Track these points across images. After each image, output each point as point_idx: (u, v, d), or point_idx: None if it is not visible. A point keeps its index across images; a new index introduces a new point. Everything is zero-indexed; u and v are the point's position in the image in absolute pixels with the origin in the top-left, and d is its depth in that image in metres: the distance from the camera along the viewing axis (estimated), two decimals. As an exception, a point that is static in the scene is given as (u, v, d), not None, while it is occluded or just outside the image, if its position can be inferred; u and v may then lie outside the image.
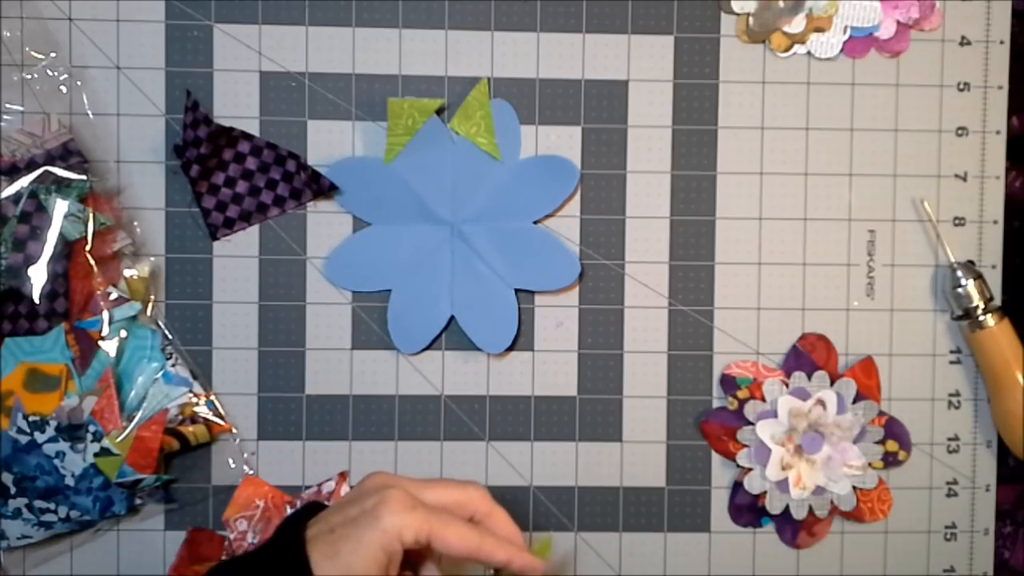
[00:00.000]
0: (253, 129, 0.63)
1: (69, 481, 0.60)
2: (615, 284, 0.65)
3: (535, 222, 0.64)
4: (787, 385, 0.64)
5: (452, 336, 0.64)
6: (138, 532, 0.63)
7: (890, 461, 0.65)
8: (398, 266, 0.63)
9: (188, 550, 0.63)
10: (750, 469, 0.64)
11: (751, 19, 0.64)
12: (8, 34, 0.62)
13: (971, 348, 0.65)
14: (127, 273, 0.62)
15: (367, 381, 0.64)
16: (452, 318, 0.64)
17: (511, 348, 0.64)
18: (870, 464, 0.65)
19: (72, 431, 0.60)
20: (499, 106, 0.64)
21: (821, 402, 0.64)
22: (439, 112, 0.63)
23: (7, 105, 0.62)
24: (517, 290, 0.64)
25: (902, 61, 0.65)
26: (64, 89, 0.62)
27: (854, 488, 0.65)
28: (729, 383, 0.65)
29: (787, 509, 0.64)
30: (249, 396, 0.64)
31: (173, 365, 0.62)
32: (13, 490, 0.59)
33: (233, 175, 0.62)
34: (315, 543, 0.48)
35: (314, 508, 0.52)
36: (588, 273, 0.65)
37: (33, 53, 0.62)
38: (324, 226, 0.64)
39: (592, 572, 0.65)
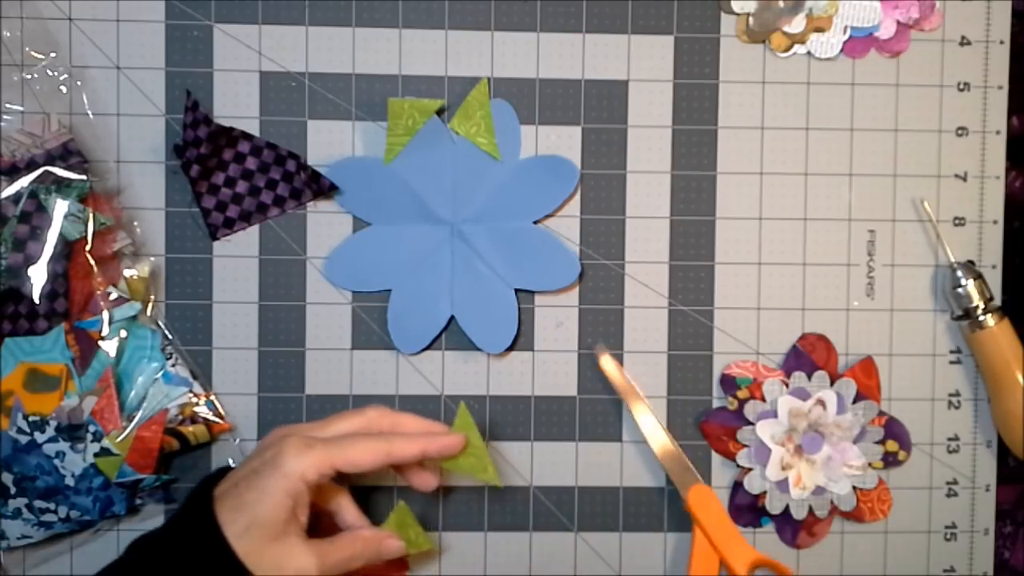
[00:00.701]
0: (253, 129, 0.63)
1: (69, 481, 0.60)
2: (615, 284, 0.65)
3: (535, 222, 0.64)
4: (787, 385, 0.64)
5: (452, 336, 0.64)
6: (138, 532, 0.63)
7: (890, 461, 0.65)
8: (398, 266, 0.63)
9: (188, 550, 0.63)
10: (750, 469, 0.64)
11: (751, 19, 0.64)
12: (8, 34, 0.62)
13: (971, 348, 0.65)
14: (127, 273, 0.62)
15: (367, 381, 0.64)
16: (452, 318, 0.64)
17: (511, 348, 0.64)
18: (870, 464, 0.65)
19: (72, 431, 0.60)
20: (499, 106, 0.64)
21: (821, 402, 0.64)
22: (439, 112, 0.63)
23: (7, 105, 0.62)
24: (517, 290, 0.64)
25: (902, 61, 0.65)
26: (64, 89, 0.62)
27: (854, 488, 0.65)
28: (729, 383, 0.65)
29: (787, 509, 0.64)
30: (249, 396, 0.64)
31: (173, 365, 0.62)
32: (13, 490, 0.59)
33: (233, 175, 0.62)
34: (222, 499, 0.51)
35: (225, 470, 0.54)
36: (588, 273, 0.65)
37: (33, 53, 0.62)
38: (324, 226, 0.64)
39: (592, 572, 0.65)
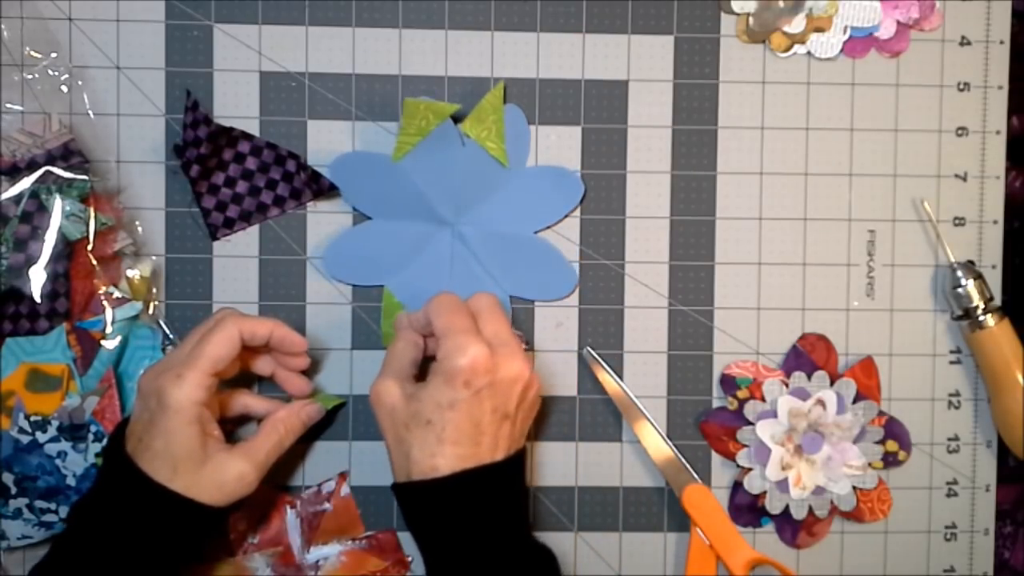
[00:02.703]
0: (253, 129, 0.63)
1: (70, 481, 0.60)
2: (615, 284, 0.65)
3: (536, 231, 0.64)
4: (787, 385, 0.64)
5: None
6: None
7: (890, 461, 0.65)
8: (395, 262, 0.63)
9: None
10: (750, 469, 0.64)
11: (751, 19, 0.64)
12: (8, 34, 0.62)
13: (971, 348, 0.65)
14: (128, 273, 0.62)
15: (367, 381, 0.64)
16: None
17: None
18: (870, 464, 0.65)
19: (74, 431, 0.60)
20: (512, 112, 0.64)
21: (821, 402, 0.64)
22: (453, 116, 0.63)
23: (7, 105, 0.62)
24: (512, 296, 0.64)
25: (902, 61, 0.65)
26: (65, 89, 0.62)
27: (854, 488, 0.65)
28: (729, 383, 0.65)
29: (787, 509, 0.64)
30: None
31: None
32: (14, 490, 0.60)
33: (233, 175, 0.63)
34: (138, 455, 0.54)
35: (120, 427, 0.57)
36: (588, 273, 0.65)
37: (33, 53, 0.62)
38: (324, 226, 0.64)
39: (592, 572, 0.65)
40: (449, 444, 0.54)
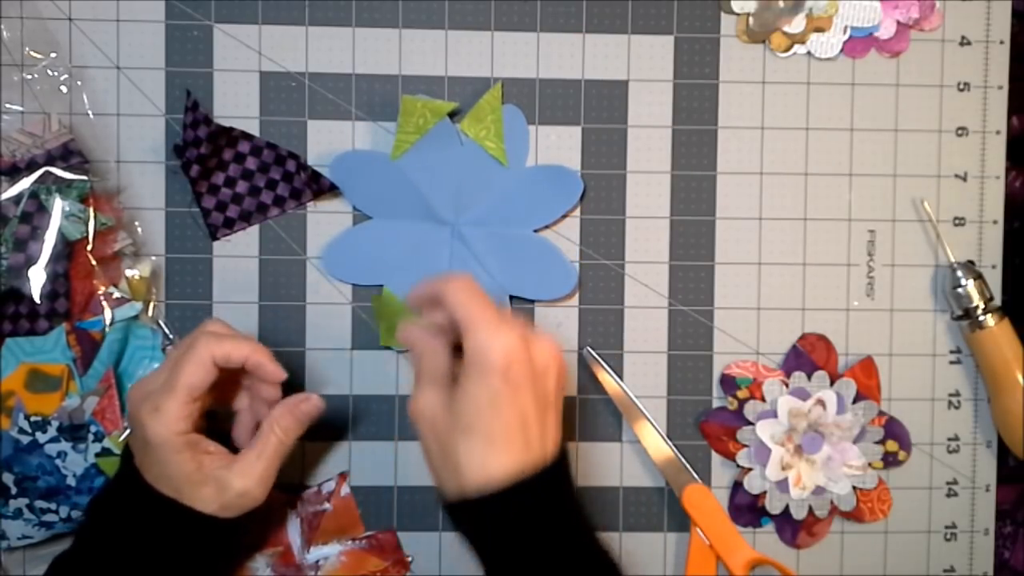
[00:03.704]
0: (253, 129, 0.63)
1: (71, 481, 0.60)
2: (615, 284, 0.65)
3: (535, 230, 0.64)
4: (787, 385, 0.64)
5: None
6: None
7: (890, 461, 0.65)
8: (394, 261, 0.63)
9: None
10: (750, 469, 0.64)
11: (751, 19, 0.64)
12: (8, 34, 0.62)
13: (971, 348, 0.65)
14: (128, 273, 0.62)
15: (367, 381, 0.64)
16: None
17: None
18: (870, 464, 0.65)
19: (74, 431, 0.60)
20: (510, 111, 0.64)
21: (821, 402, 0.64)
22: (451, 114, 0.63)
23: (7, 105, 0.62)
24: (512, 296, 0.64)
25: (902, 61, 0.65)
26: (64, 89, 0.62)
27: (854, 488, 0.65)
28: (729, 383, 0.65)
29: (787, 509, 0.64)
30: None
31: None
32: (14, 490, 0.60)
33: (233, 175, 0.63)
34: (145, 472, 0.54)
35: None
36: (588, 273, 0.65)
37: (33, 53, 0.62)
38: (324, 226, 0.64)
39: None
40: (499, 446, 0.50)
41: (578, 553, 0.51)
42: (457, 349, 0.53)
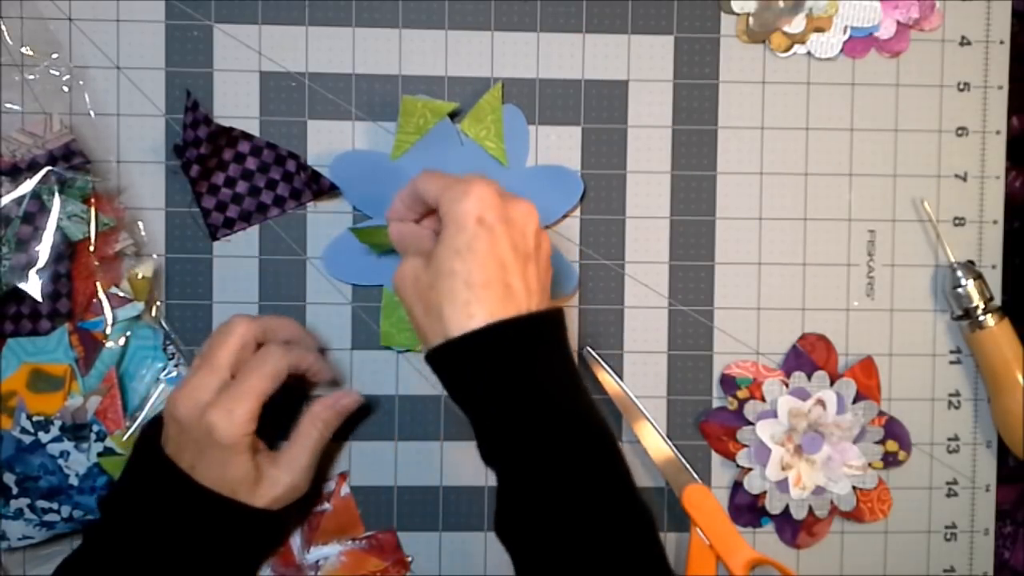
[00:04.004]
0: (253, 129, 0.63)
1: (73, 481, 0.60)
2: (615, 284, 0.65)
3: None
4: (787, 385, 0.64)
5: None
6: (140, 531, 0.64)
7: (890, 461, 0.65)
8: (394, 261, 0.63)
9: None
10: (750, 469, 0.64)
11: (751, 19, 0.64)
12: (8, 34, 0.62)
13: (971, 348, 0.65)
14: (130, 273, 0.62)
15: (367, 381, 0.64)
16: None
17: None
18: (870, 464, 0.65)
19: (76, 431, 0.60)
20: (510, 112, 0.64)
21: (821, 402, 0.64)
22: (451, 114, 0.63)
23: (7, 105, 0.62)
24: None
25: (902, 61, 0.65)
26: (65, 89, 0.62)
27: (854, 488, 0.65)
28: (729, 383, 0.65)
29: (787, 509, 0.64)
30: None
31: (176, 365, 0.62)
32: (15, 490, 0.60)
33: (233, 175, 0.63)
34: (196, 473, 0.55)
35: (152, 428, 0.58)
36: (588, 273, 0.65)
37: (33, 53, 0.62)
38: (324, 226, 0.64)
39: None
40: (479, 287, 0.49)
41: (561, 405, 0.50)
42: None
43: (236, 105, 0.63)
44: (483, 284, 0.49)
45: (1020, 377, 0.63)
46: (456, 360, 0.50)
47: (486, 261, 0.50)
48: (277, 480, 0.57)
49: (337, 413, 0.60)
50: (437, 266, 0.50)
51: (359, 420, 0.64)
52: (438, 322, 0.50)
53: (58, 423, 0.60)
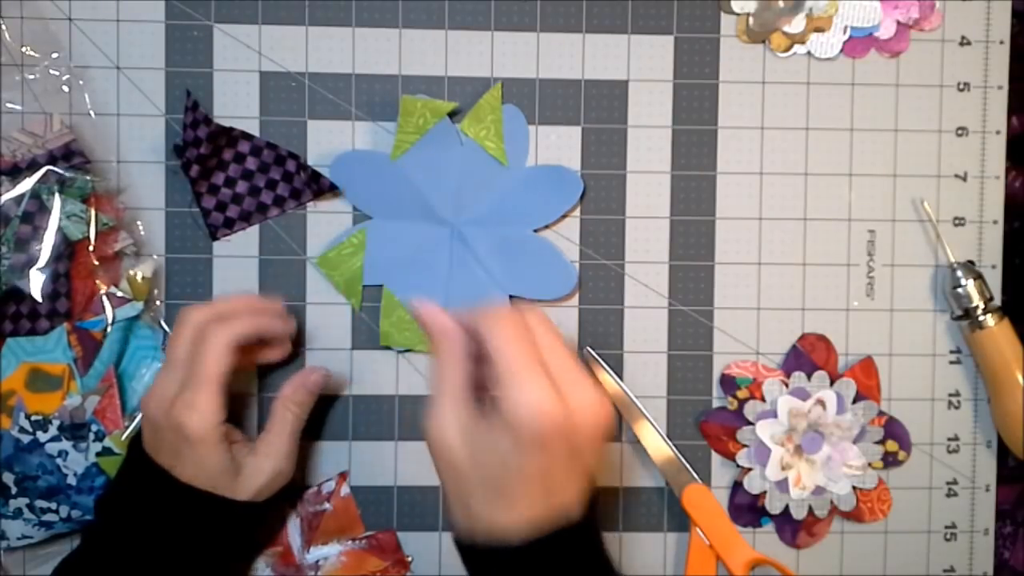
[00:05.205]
0: (253, 129, 0.63)
1: (71, 480, 0.60)
2: (615, 284, 0.65)
3: (535, 230, 0.64)
4: (787, 385, 0.64)
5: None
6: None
7: (890, 461, 0.65)
8: (394, 262, 0.63)
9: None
10: (750, 469, 0.64)
11: (751, 19, 0.64)
12: (8, 34, 0.62)
13: (971, 348, 0.65)
14: (129, 273, 0.62)
15: (367, 381, 0.64)
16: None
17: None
18: (870, 464, 0.65)
19: (74, 430, 0.60)
20: (510, 112, 0.64)
21: (821, 402, 0.64)
22: (451, 114, 0.63)
23: (7, 105, 0.62)
24: (512, 296, 0.64)
25: (902, 61, 0.65)
26: (65, 89, 0.62)
27: (854, 488, 0.65)
28: (729, 383, 0.65)
29: (787, 509, 0.64)
30: (249, 396, 0.64)
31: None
32: (14, 490, 0.60)
33: (233, 175, 0.63)
34: (177, 471, 0.55)
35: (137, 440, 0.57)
36: (588, 273, 0.65)
37: (33, 53, 0.62)
38: (324, 226, 0.64)
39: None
40: (515, 504, 0.46)
41: None
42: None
43: (236, 105, 0.63)
44: (521, 498, 0.46)
45: (1020, 377, 0.63)
46: (480, 563, 0.49)
47: (530, 477, 0.46)
48: (258, 468, 0.57)
49: (308, 391, 0.60)
50: (478, 462, 0.47)
51: (359, 421, 0.64)
52: (465, 511, 0.48)
53: (56, 423, 0.60)
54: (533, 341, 0.48)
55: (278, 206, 0.63)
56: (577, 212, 0.64)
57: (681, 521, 0.65)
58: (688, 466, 0.64)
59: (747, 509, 0.65)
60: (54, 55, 0.62)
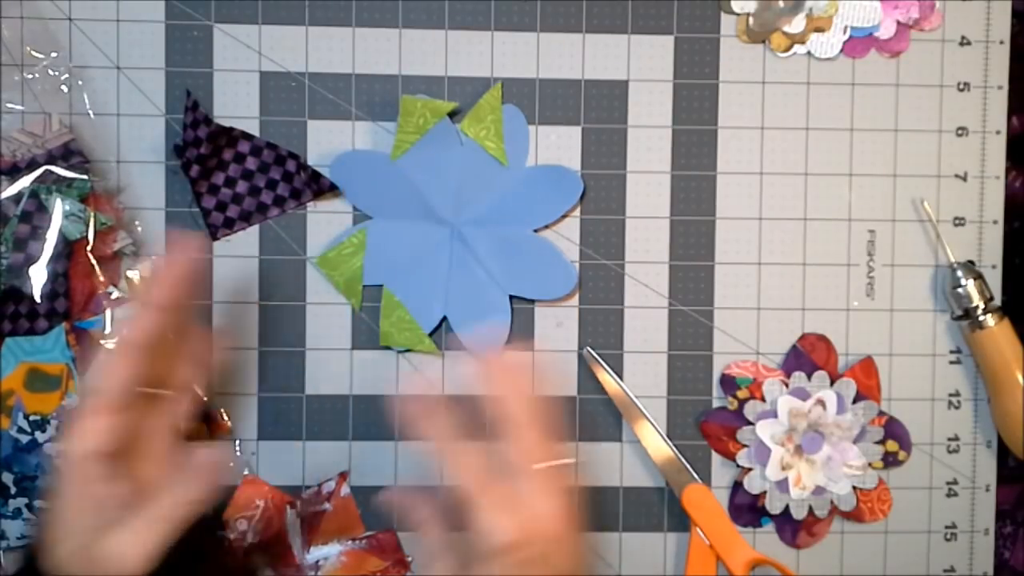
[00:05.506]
0: (253, 129, 0.63)
1: (70, 481, 0.60)
2: (615, 284, 0.65)
3: (535, 230, 0.64)
4: (787, 385, 0.64)
5: (452, 335, 0.64)
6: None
7: (890, 461, 0.65)
8: (394, 262, 0.63)
9: (188, 550, 0.63)
10: (750, 469, 0.64)
11: (751, 19, 0.64)
12: (8, 34, 0.62)
13: (971, 348, 0.65)
14: (128, 273, 0.62)
15: (367, 381, 0.64)
16: (444, 319, 0.64)
17: (509, 348, 0.64)
18: (870, 464, 0.65)
19: (73, 430, 0.60)
20: (510, 112, 0.64)
21: (821, 402, 0.64)
22: (451, 114, 0.63)
23: (7, 105, 0.62)
24: (512, 296, 0.64)
25: (902, 61, 0.65)
26: (65, 89, 0.62)
27: (854, 488, 0.65)
28: (729, 383, 0.65)
29: (787, 509, 0.64)
30: (249, 396, 0.64)
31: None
32: (13, 490, 0.60)
33: (233, 175, 0.63)
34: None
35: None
36: (588, 273, 0.65)
37: (33, 53, 0.62)
38: (324, 226, 0.64)
39: (592, 572, 0.65)
40: None
41: None
42: None
43: (236, 105, 0.63)
44: None
45: (1020, 377, 0.63)
46: None
47: None
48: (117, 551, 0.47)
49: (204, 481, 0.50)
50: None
51: (359, 421, 0.64)
52: None
53: (55, 422, 0.60)
54: (483, 466, 0.49)
55: (278, 206, 0.63)
56: (577, 212, 0.64)
57: (681, 521, 0.65)
58: (688, 466, 0.64)
59: (747, 509, 0.65)
60: (54, 55, 0.62)
